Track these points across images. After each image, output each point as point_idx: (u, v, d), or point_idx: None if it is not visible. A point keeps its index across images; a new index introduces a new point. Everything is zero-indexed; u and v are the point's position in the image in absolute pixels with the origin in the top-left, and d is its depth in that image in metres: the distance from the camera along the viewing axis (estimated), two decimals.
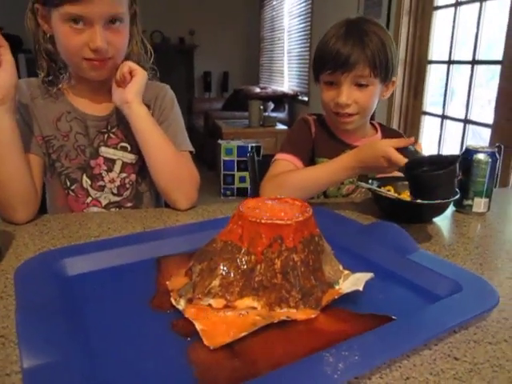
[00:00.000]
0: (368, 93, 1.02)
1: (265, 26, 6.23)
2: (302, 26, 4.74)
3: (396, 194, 0.96)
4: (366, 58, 0.98)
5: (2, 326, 0.53)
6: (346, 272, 0.62)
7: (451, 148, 2.70)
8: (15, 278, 0.60)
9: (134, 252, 0.70)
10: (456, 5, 2.58)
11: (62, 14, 0.86)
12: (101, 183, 1.04)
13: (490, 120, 2.33)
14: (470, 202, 0.95)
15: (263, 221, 0.53)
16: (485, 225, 0.92)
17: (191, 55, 6.32)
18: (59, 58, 0.96)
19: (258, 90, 5.09)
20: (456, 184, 0.83)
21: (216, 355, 0.47)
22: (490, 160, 0.92)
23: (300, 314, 0.52)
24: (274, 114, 4.45)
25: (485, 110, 2.47)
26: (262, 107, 4.10)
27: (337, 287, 0.58)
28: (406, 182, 0.98)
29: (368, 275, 0.60)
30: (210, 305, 0.53)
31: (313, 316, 0.53)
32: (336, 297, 0.56)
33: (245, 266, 0.53)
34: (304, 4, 4.62)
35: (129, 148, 1.05)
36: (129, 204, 1.07)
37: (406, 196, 0.96)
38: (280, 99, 4.89)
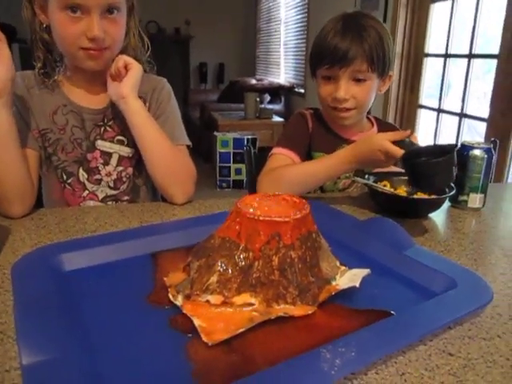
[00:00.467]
0: (366, 87, 1.02)
1: (261, 17, 6.19)
2: (298, 17, 4.72)
3: (392, 189, 0.97)
4: (363, 52, 0.98)
5: (0, 321, 0.53)
6: (343, 268, 0.62)
7: (447, 142, 2.71)
8: (12, 274, 0.60)
9: (132, 247, 0.70)
10: None
11: (59, 2, 0.86)
12: (97, 177, 1.03)
13: (485, 113, 2.33)
14: (465, 197, 0.96)
15: (261, 218, 0.53)
16: (480, 220, 0.93)
17: (187, 46, 6.28)
18: (55, 49, 0.96)
19: (254, 81, 5.07)
20: (454, 172, 0.83)
21: (214, 351, 0.48)
22: (485, 156, 0.93)
23: (297, 311, 0.53)
24: (270, 106, 4.44)
25: (481, 102, 2.47)
26: (258, 99, 4.08)
27: (334, 283, 0.59)
28: (402, 177, 0.99)
29: (365, 271, 0.60)
30: (207, 301, 0.53)
31: (310, 312, 0.53)
32: (333, 293, 0.57)
33: (243, 263, 0.53)
34: None
35: (125, 141, 1.04)
36: (125, 197, 1.07)
37: (401, 191, 0.96)
38: (276, 91, 4.88)
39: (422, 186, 0.88)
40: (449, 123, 2.71)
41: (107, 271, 0.65)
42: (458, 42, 2.61)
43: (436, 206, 0.91)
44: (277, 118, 4.16)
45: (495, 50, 2.26)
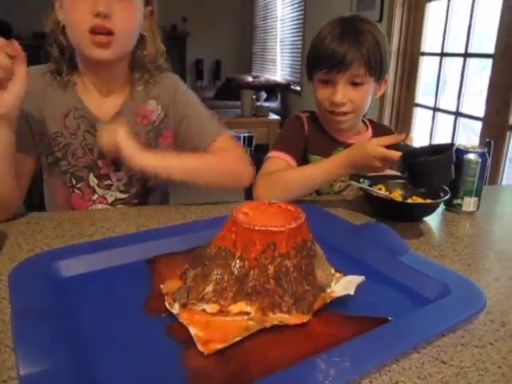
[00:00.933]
0: (363, 91, 1.03)
1: (258, 14, 6.17)
2: (295, 14, 4.71)
3: (387, 193, 0.98)
4: (361, 57, 0.99)
5: None
6: (338, 275, 0.63)
7: (443, 140, 2.72)
8: (9, 281, 0.60)
9: (128, 253, 0.70)
10: None
11: None
12: (108, 182, 1.03)
13: (481, 110, 2.33)
14: (459, 201, 0.97)
15: (257, 227, 0.53)
16: (474, 224, 0.94)
17: (184, 42, 6.26)
18: (68, 49, 0.95)
19: (250, 78, 5.06)
20: (453, 170, 0.84)
21: (210, 360, 0.48)
22: (479, 160, 0.94)
23: (292, 319, 0.53)
24: (266, 104, 4.44)
25: (476, 99, 2.48)
26: (254, 97, 4.07)
27: (329, 290, 0.59)
28: (398, 181, 1.00)
29: (359, 278, 0.61)
30: (204, 310, 0.53)
31: (305, 320, 0.54)
32: (328, 300, 0.57)
33: (238, 272, 0.54)
34: None
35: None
36: (135, 201, 1.07)
37: (397, 194, 0.97)
38: (272, 88, 4.87)
39: (422, 185, 0.89)
40: (445, 121, 2.72)
41: (104, 277, 0.66)
42: (453, 41, 2.61)
43: (430, 210, 0.92)
44: (273, 116, 4.15)
45: (491, 49, 2.26)
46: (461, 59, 2.51)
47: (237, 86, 4.76)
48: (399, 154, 0.83)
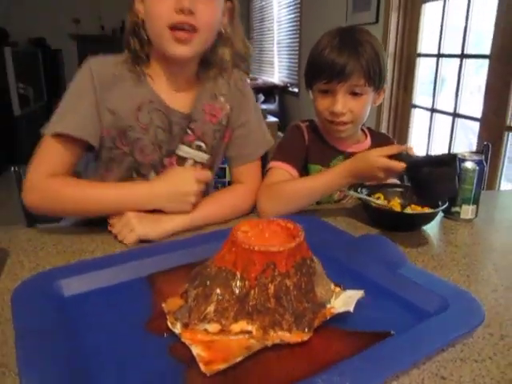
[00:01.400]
0: (362, 101, 1.03)
1: (254, 15, 6.18)
2: (291, 16, 4.71)
3: (386, 202, 0.98)
4: (361, 67, 0.99)
5: (2, 353, 0.54)
6: (338, 289, 0.64)
7: (441, 141, 2.72)
8: (12, 303, 0.61)
9: (129, 270, 0.71)
10: None
11: None
12: None
13: (479, 107, 2.33)
14: (457, 208, 0.97)
15: (256, 248, 0.54)
16: (472, 232, 0.95)
17: None
18: (147, 43, 0.94)
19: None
20: (457, 182, 0.85)
21: (212, 381, 0.49)
22: (477, 168, 0.94)
23: (293, 337, 0.54)
24: (264, 106, 4.44)
25: (474, 96, 2.48)
26: None
27: (329, 306, 0.60)
28: (396, 189, 1.00)
29: (359, 293, 0.61)
30: (205, 329, 0.54)
31: (305, 338, 0.54)
32: (328, 317, 0.58)
33: (239, 292, 0.54)
34: None
35: (203, 146, 1.03)
36: None
37: (395, 203, 0.98)
38: (270, 90, 4.88)
39: (427, 196, 0.90)
40: (443, 121, 2.72)
41: (105, 296, 0.66)
42: (450, 41, 2.62)
43: (429, 219, 0.93)
44: (271, 118, 4.15)
45: (488, 48, 2.26)
46: (457, 60, 2.52)
47: None
48: (403, 165, 0.84)
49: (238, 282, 0.55)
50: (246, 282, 0.54)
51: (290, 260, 0.55)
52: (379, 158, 0.87)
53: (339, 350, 0.54)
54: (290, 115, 4.85)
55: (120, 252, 0.80)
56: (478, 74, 2.45)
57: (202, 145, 1.02)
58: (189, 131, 1.00)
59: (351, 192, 0.98)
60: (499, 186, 2.25)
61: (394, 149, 0.89)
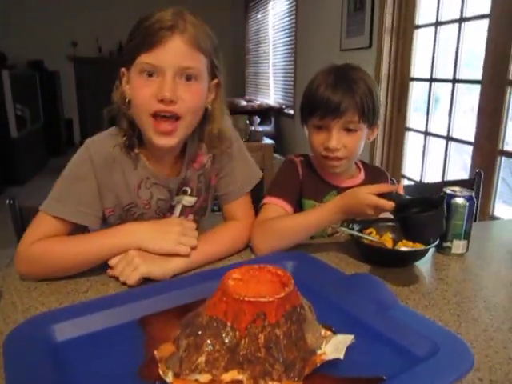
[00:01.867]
0: (356, 137, 1.05)
1: (250, 38, 6.27)
2: (286, 39, 4.79)
3: (378, 236, 0.99)
4: (355, 104, 1.01)
5: None
6: (328, 333, 0.64)
7: (436, 163, 2.74)
8: (4, 351, 0.61)
9: (121, 313, 0.71)
10: (436, 24, 2.64)
11: (137, 66, 0.86)
12: None
13: (472, 129, 2.36)
14: (448, 244, 0.98)
15: (246, 298, 0.55)
16: (463, 267, 0.95)
17: None
18: (136, 125, 0.94)
19: (244, 103, 5.12)
20: (444, 224, 0.87)
21: None
22: (467, 204, 0.96)
23: None
24: (260, 128, 4.47)
25: (468, 116, 2.50)
26: (248, 122, 4.11)
27: (319, 352, 0.60)
28: (388, 223, 1.01)
29: (348, 339, 0.62)
30: (196, 380, 0.54)
31: None
32: (318, 364, 0.58)
33: (230, 342, 0.55)
34: (288, 19, 4.67)
35: (188, 191, 1.06)
36: None
37: (387, 238, 0.99)
38: (266, 112, 4.92)
39: (415, 238, 0.91)
40: (437, 144, 2.75)
41: (98, 340, 0.67)
42: (443, 63, 2.66)
43: (420, 256, 0.94)
44: (267, 140, 4.19)
45: (480, 68, 2.28)
46: (450, 84, 2.56)
47: (230, 110, 4.80)
48: (392, 204, 0.85)
49: (229, 331, 0.55)
50: (237, 333, 0.55)
51: (280, 310, 0.56)
52: (368, 195, 0.88)
53: None
54: (285, 137, 4.89)
55: (113, 294, 0.80)
56: (471, 95, 2.48)
57: (188, 189, 1.06)
58: None
59: (343, 228, 0.99)
60: (493, 210, 2.27)
61: (383, 187, 0.91)
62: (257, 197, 1.16)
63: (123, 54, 0.92)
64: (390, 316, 0.70)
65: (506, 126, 2.19)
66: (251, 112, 4.69)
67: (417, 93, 2.92)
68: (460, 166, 2.72)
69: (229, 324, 0.55)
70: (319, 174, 1.14)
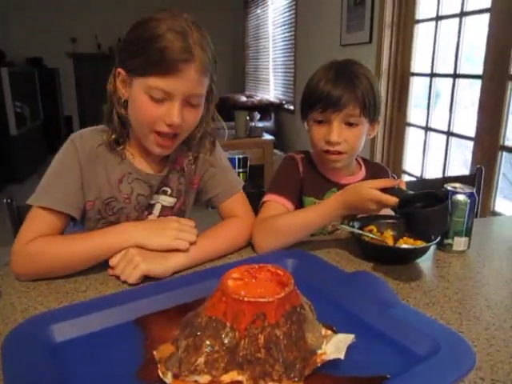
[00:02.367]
0: (357, 132, 1.04)
1: (249, 33, 6.25)
2: (286, 35, 4.77)
3: (379, 234, 0.99)
4: (356, 98, 1.01)
5: None
6: (329, 332, 0.64)
7: (436, 159, 2.74)
8: (2, 353, 0.60)
9: (120, 313, 0.71)
10: (437, 19, 2.62)
11: (145, 85, 0.87)
12: None
13: (473, 124, 2.35)
14: (450, 241, 0.98)
15: (246, 299, 0.54)
16: (465, 264, 0.95)
17: None
18: (128, 122, 0.97)
19: (244, 98, 5.10)
20: (448, 220, 0.86)
21: None
22: (468, 201, 0.95)
23: None
24: (260, 124, 4.47)
25: (468, 110, 2.49)
26: (248, 118, 4.10)
27: (320, 352, 0.60)
28: (389, 221, 1.01)
29: (349, 338, 0.61)
30: (196, 381, 0.54)
31: None
32: (319, 364, 0.58)
33: (229, 343, 0.54)
34: (288, 14, 4.65)
35: (169, 191, 1.06)
36: None
37: (388, 235, 0.98)
38: (266, 108, 4.91)
39: (419, 234, 0.91)
40: (437, 139, 2.74)
41: (97, 341, 0.66)
42: (443, 58, 2.65)
43: (421, 253, 0.93)
44: (267, 136, 4.18)
45: (481, 62, 2.27)
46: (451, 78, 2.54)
47: (231, 106, 4.80)
48: (396, 199, 0.85)
49: (228, 332, 0.55)
50: (236, 333, 0.54)
51: (280, 310, 0.55)
52: (371, 190, 0.88)
53: None
54: (285, 133, 4.88)
55: (112, 294, 0.79)
56: (471, 90, 2.47)
57: (168, 189, 1.06)
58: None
59: (343, 226, 0.98)
60: (494, 206, 2.26)
61: (386, 182, 0.90)
62: (257, 196, 1.15)
63: (124, 56, 0.90)
64: (391, 315, 0.69)
65: (506, 121, 2.18)
66: (251, 108, 4.69)
67: (417, 88, 2.91)
68: (461, 161, 2.71)
69: (228, 324, 0.55)
70: (320, 171, 1.13)
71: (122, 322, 0.70)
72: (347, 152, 1.05)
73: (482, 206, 1.99)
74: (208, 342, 0.55)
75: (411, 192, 0.87)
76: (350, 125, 1.03)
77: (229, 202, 1.09)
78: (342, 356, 0.58)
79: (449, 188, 0.97)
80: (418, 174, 2.89)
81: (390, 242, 0.95)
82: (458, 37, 2.44)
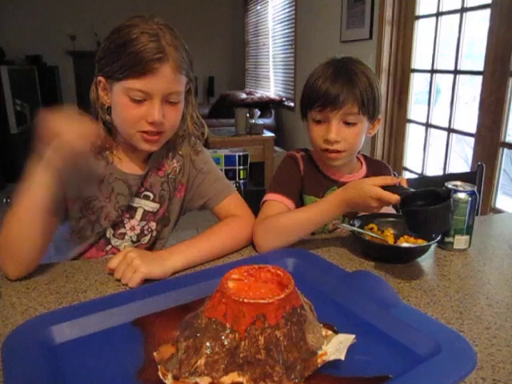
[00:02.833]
0: (356, 130, 1.04)
1: (249, 30, 6.23)
2: (286, 31, 4.75)
3: (379, 232, 0.98)
4: (355, 96, 1.00)
5: None
6: (329, 333, 0.63)
7: (437, 155, 2.73)
8: (2, 354, 0.60)
9: (120, 314, 0.71)
10: (437, 15, 2.61)
11: (124, 88, 0.90)
12: (122, 230, 1.05)
13: (474, 120, 2.34)
14: (451, 239, 0.98)
15: (246, 300, 0.54)
16: (466, 263, 0.94)
17: None
18: (114, 127, 0.99)
19: (244, 95, 5.09)
20: (450, 218, 0.85)
21: None
22: (469, 199, 0.95)
23: None
24: (260, 121, 4.45)
25: (469, 106, 2.48)
26: (248, 115, 4.09)
27: (320, 352, 0.59)
28: (389, 219, 1.00)
29: (350, 338, 0.61)
30: (196, 383, 0.54)
31: None
32: (319, 365, 0.58)
33: (229, 344, 0.54)
34: (288, 10, 4.63)
35: (151, 197, 1.06)
36: (144, 248, 1.07)
37: (388, 233, 0.98)
38: (266, 105, 4.89)
39: (421, 232, 0.90)
40: (438, 136, 2.73)
41: (97, 342, 0.66)
42: (444, 53, 2.64)
43: (422, 252, 0.93)
44: (268, 133, 4.17)
45: (482, 57, 2.26)
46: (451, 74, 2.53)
47: (231, 103, 4.79)
48: (397, 197, 0.84)
49: (229, 334, 0.54)
50: (237, 335, 0.54)
51: (280, 311, 0.55)
52: (373, 187, 0.87)
53: None
54: (286, 129, 4.87)
55: (112, 294, 0.79)
56: (472, 86, 2.46)
57: (150, 194, 1.06)
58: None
59: (343, 224, 0.98)
60: (495, 202, 2.25)
61: (388, 180, 0.89)
62: (258, 194, 1.15)
63: (102, 64, 0.93)
64: (392, 315, 0.69)
65: (507, 118, 2.17)
66: (251, 105, 4.67)
67: (418, 84, 2.90)
68: (461, 157, 2.71)
69: (228, 326, 0.55)
70: (320, 169, 1.13)
71: (122, 323, 0.70)
72: (346, 150, 1.05)
73: (482, 202, 1.98)
74: (208, 344, 0.54)
75: (413, 190, 0.86)
76: (349, 123, 1.03)
77: (224, 203, 1.09)
78: (342, 357, 0.58)
79: (450, 186, 0.96)
80: (419, 171, 2.89)
81: (391, 241, 0.95)
82: (459, 33, 2.43)
